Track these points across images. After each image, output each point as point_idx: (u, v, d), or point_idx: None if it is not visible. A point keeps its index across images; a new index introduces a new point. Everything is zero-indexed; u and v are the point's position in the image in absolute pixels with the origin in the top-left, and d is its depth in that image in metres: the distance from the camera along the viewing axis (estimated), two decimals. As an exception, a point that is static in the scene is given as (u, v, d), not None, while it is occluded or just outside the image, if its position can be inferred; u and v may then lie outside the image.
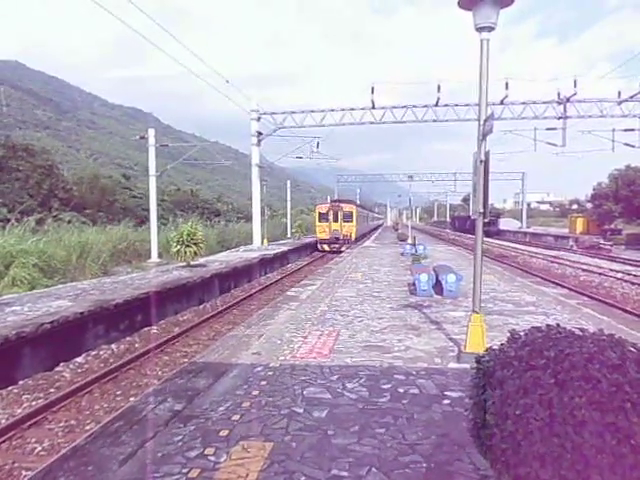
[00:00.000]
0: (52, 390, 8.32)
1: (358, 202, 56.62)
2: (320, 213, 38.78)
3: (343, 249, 34.24)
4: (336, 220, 37.89)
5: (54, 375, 9.05)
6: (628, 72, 27.06)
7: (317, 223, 38.77)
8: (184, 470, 3.85)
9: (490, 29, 6.27)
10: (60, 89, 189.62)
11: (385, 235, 54.51)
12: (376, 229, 76.20)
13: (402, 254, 23.85)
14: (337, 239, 37.31)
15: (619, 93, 27.44)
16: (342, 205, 39.71)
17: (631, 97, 27.18)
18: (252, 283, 20.91)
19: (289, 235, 47.08)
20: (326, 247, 37.15)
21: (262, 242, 31.69)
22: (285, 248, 30.00)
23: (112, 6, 13.46)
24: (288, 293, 13.89)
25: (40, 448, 6.28)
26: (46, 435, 6.65)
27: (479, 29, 6.29)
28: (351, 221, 38.90)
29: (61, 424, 7.02)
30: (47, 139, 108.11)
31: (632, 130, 28.70)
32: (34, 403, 7.69)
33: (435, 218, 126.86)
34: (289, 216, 52.76)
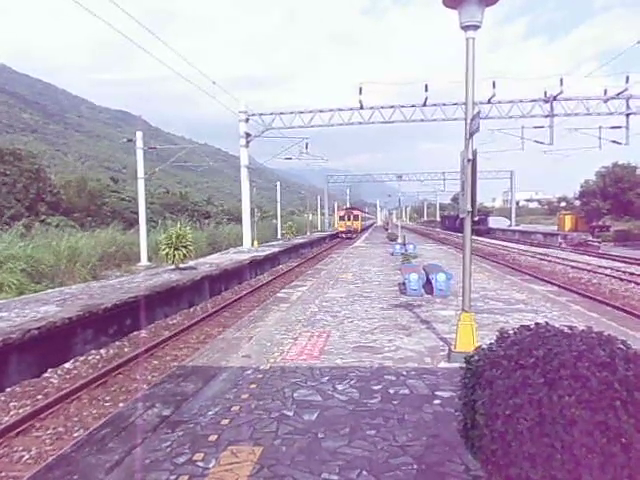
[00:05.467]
0: (40, 397, 8.20)
1: (351, 205, 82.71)
2: (340, 215, 67.56)
3: (354, 237, 57.40)
4: (349, 219, 64.69)
5: (42, 382, 8.93)
6: (614, 70, 27.28)
7: (338, 222, 67.07)
8: (172, 477, 3.78)
9: (475, 28, 6.24)
10: (47, 92, 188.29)
11: (376, 235, 54.67)
12: (369, 227, 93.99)
13: (392, 254, 23.93)
14: (349, 231, 62.23)
15: (605, 91, 27.61)
16: (352, 210, 67.87)
17: (617, 95, 27.37)
18: (242, 285, 20.83)
19: (279, 236, 47.07)
20: (344, 235, 60.74)
21: (252, 244, 31.57)
22: (275, 249, 29.92)
23: (98, 9, 13.36)
24: (278, 294, 13.86)
25: (28, 456, 6.18)
26: (33, 443, 6.54)
27: (464, 27, 6.26)
28: (358, 220, 66.94)
29: (49, 431, 6.91)
30: (34, 143, 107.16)
31: (619, 127, 28.86)
32: (21, 411, 7.57)
33: (425, 217, 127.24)
34: (279, 217, 52.80)
